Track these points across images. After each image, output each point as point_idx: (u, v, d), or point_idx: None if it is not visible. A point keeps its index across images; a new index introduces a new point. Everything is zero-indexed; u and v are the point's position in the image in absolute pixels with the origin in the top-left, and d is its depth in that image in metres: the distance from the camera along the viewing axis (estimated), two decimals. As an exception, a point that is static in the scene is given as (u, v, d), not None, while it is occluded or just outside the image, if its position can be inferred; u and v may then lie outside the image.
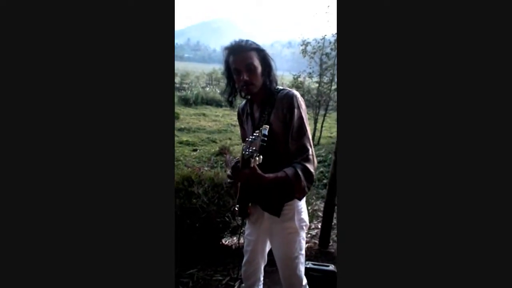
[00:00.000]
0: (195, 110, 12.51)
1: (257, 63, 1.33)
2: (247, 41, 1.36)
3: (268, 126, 1.23)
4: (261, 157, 1.19)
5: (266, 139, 1.18)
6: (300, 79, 8.25)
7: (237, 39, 1.37)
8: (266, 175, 1.24)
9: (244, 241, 1.56)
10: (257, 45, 1.36)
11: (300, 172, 1.24)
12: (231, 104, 1.49)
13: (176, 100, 13.61)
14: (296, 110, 1.30)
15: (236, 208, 1.46)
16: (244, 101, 1.53)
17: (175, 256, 1.02)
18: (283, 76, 16.16)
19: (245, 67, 1.31)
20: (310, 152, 1.29)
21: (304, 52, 7.83)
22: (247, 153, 1.15)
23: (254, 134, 1.18)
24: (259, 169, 1.22)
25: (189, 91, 14.78)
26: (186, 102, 13.45)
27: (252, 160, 1.17)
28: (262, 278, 1.57)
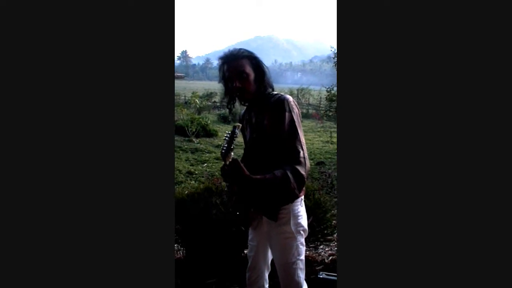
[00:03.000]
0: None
1: (249, 70, 1.37)
2: (239, 49, 1.41)
3: (240, 125, 1.30)
4: (232, 153, 1.27)
5: (235, 135, 1.26)
6: (334, 91, 8.16)
7: (231, 49, 1.42)
8: (254, 176, 1.26)
9: (248, 247, 1.56)
10: (249, 52, 1.41)
11: (289, 174, 1.25)
12: (230, 111, 1.54)
13: (215, 118, 14.01)
14: (287, 114, 1.31)
15: (238, 213, 1.48)
16: (244, 108, 1.56)
17: (193, 266, 1.04)
18: (320, 91, 16.12)
19: (237, 74, 1.35)
20: (301, 155, 1.29)
21: (336, 65, 7.79)
22: (223, 151, 1.24)
23: (227, 132, 1.24)
24: (242, 164, 1.27)
25: (227, 109, 15.15)
26: (225, 119, 13.77)
27: (227, 157, 1.25)
28: (266, 286, 1.55)
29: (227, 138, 1.29)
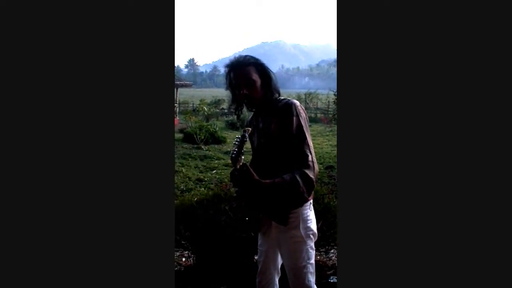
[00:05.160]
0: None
1: (255, 76, 1.38)
2: (245, 56, 1.43)
3: (249, 129, 1.32)
4: (243, 157, 1.29)
5: (245, 139, 1.29)
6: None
7: (237, 56, 1.44)
8: (263, 181, 1.27)
9: (258, 252, 1.57)
10: (255, 59, 1.43)
11: (298, 178, 1.26)
12: (238, 117, 1.56)
13: (223, 125, 14.09)
14: (295, 118, 1.33)
15: (247, 219, 1.48)
16: (251, 114, 1.58)
17: (203, 273, 1.03)
18: (328, 95, 16.10)
19: (244, 81, 1.37)
20: (310, 159, 1.30)
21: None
22: (233, 155, 1.27)
23: (237, 136, 1.26)
24: (251, 169, 1.29)
25: (235, 116, 15.19)
26: (233, 126, 13.83)
27: (237, 161, 1.28)
28: (277, 291, 1.56)
29: (237, 143, 1.31)
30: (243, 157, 1.30)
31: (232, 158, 1.30)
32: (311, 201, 1.42)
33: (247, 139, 1.30)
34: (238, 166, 1.28)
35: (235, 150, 1.29)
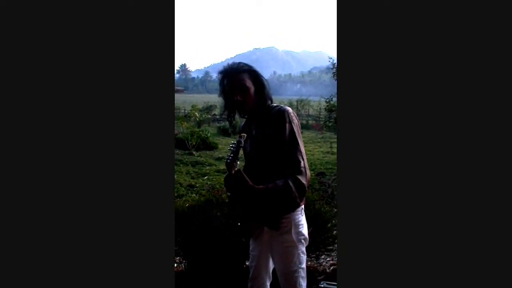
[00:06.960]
0: (233, 140, 12.75)
1: (249, 83, 1.41)
2: (239, 63, 1.45)
3: (245, 135, 1.35)
4: (238, 162, 1.32)
5: (241, 145, 1.32)
6: (333, 102, 8.20)
7: (230, 63, 1.47)
8: (257, 186, 1.29)
9: (249, 257, 1.58)
10: (249, 66, 1.45)
11: (291, 183, 1.28)
12: (231, 123, 1.58)
13: (215, 131, 14.07)
14: (287, 125, 1.36)
15: (239, 224, 1.50)
16: (244, 121, 1.61)
17: (194, 279, 1.02)
18: (320, 102, 16.20)
19: (238, 88, 1.40)
20: (302, 165, 1.32)
21: (335, 75, 7.84)
22: (228, 161, 1.28)
23: (232, 142, 1.28)
24: (245, 175, 1.31)
25: (227, 122, 15.18)
26: (225, 132, 13.82)
27: (232, 166, 1.30)
28: (268, 295, 1.57)
29: (232, 148, 1.33)
30: (238, 163, 1.32)
31: (227, 164, 1.32)
32: (303, 206, 1.44)
33: (243, 145, 1.33)
34: (233, 172, 1.30)
35: (230, 156, 1.31)
